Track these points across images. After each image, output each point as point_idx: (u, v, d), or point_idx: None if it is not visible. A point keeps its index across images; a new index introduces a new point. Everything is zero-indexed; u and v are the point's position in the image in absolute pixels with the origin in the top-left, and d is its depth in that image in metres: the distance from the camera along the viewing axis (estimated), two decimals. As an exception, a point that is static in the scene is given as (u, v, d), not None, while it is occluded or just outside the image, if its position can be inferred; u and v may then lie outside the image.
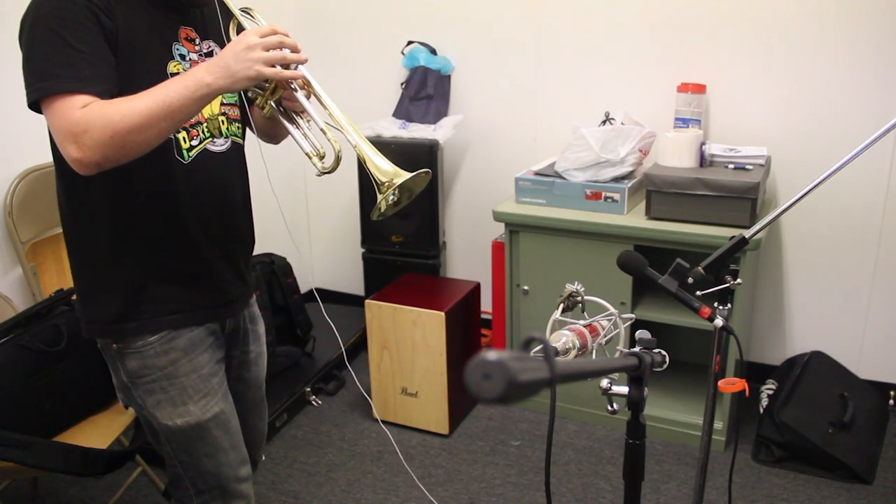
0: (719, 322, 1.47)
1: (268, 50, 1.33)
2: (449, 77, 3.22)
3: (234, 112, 1.57)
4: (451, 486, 2.50)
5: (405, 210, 3.08)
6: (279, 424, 2.82)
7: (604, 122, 2.81)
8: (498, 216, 2.75)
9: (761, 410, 2.70)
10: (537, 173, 2.79)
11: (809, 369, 2.76)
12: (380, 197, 1.40)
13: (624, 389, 1.22)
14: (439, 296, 2.80)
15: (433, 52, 3.21)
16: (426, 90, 3.15)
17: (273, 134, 1.68)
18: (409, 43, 3.24)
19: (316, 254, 3.83)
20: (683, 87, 2.76)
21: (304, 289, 3.26)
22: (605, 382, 1.23)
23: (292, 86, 1.43)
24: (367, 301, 2.76)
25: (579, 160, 2.65)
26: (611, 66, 2.96)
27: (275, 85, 1.46)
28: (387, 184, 1.39)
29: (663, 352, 1.28)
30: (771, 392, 2.73)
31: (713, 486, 2.45)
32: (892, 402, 2.85)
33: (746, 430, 2.73)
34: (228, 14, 1.52)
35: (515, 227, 2.75)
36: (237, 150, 1.59)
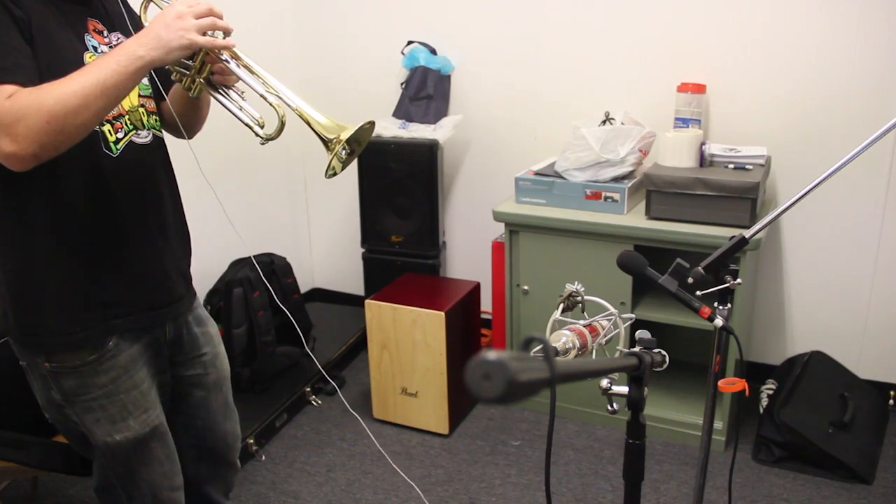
0: (719, 322, 1.47)
1: (198, 18, 1.31)
2: (449, 77, 3.22)
3: (151, 104, 1.53)
4: (451, 486, 2.50)
5: (405, 210, 3.13)
6: (279, 424, 2.82)
7: (604, 122, 2.81)
8: (498, 216, 2.75)
9: (761, 410, 2.70)
10: (537, 173, 2.79)
11: (809, 369, 2.76)
12: (330, 155, 1.38)
13: (624, 389, 1.22)
14: (439, 296, 2.80)
15: (433, 52, 3.21)
16: (426, 90, 3.15)
17: (191, 124, 1.62)
18: (409, 43, 3.23)
19: (316, 254, 3.83)
20: (683, 87, 2.76)
21: (304, 289, 3.26)
22: (605, 382, 1.23)
23: (223, 57, 1.40)
24: (367, 301, 2.76)
25: (579, 160, 2.65)
26: (611, 66, 2.96)
27: (202, 61, 1.42)
28: (335, 140, 1.38)
29: (663, 352, 1.28)
30: (771, 392, 2.73)
31: (713, 486, 2.45)
32: (892, 402, 2.85)
33: (746, 430, 2.73)
34: (129, 7, 1.50)
35: (515, 226, 2.75)
36: (159, 143, 1.56)
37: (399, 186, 3.12)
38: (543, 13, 3.01)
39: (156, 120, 1.55)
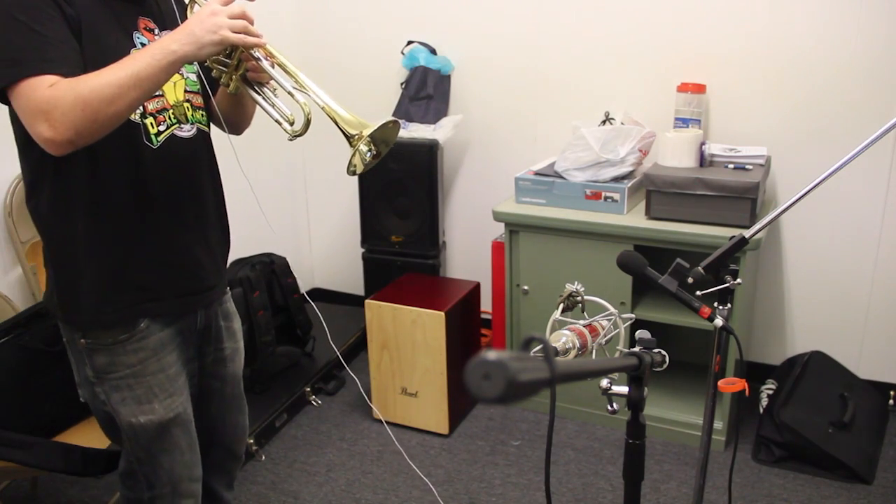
0: (719, 322, 1.47)
1: (231, 17, 1.36)
2: (449, 77, 3.22)
3: (198, 100, 1.60)
4: (451, 486, 2.50)
5: (405, 210, 3.13)
6: (279, 424, 2.82)
7: (604, 121, 2.81)
8: (498, 216, 2.75)
9: (761, 410, 2.70)
10: (537, 173, 2.79)
11: (809, 369, 2.76)
12: (352, 150, 1.43)
13: (624, 389, 1.22)
14: (439, 296, 2.80)
15: (433, 52, 3.21)
16: (426, 90, 3.15)
17: (237, 120, 1.69)
18: (409, 43, 3.24)
19: (316, 254, 3.83)
20: (683, 87, 2.76)
21: (304, 289, 3.26)
22: (605, 382, 1.23)
23: (256, 55, 1.45)
24: (367, 301, 2.76)
25: (579, 160, 2.65)
26: (611, 66, 2.96)
27: (238, 59, 1.47)
28: (356, 136, 1.42)
29: (663, 352, 1.28)
30: (771, 392, 2.73)
31: (713, 486, 2.45)
32: (892, 402, 2.85)
33: (746, 430, 2.73)
34: (183, 5, 1.55)
35: (515, 227, 2.75)
36: (204, 137, 1.61)
37: (399, 186, 3.12)
38: (543, 13, 3.01)
39: (202, 115, 1.60)
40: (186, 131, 1.54)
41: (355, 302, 3.51)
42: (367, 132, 1.42)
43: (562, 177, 2.71)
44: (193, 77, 1.58)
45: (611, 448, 2.69)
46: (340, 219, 3.68)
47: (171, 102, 1.51)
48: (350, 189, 3.40)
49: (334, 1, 3.36)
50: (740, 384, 1.48)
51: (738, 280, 1.49)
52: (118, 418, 1.57)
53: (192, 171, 1.57)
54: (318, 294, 3.83)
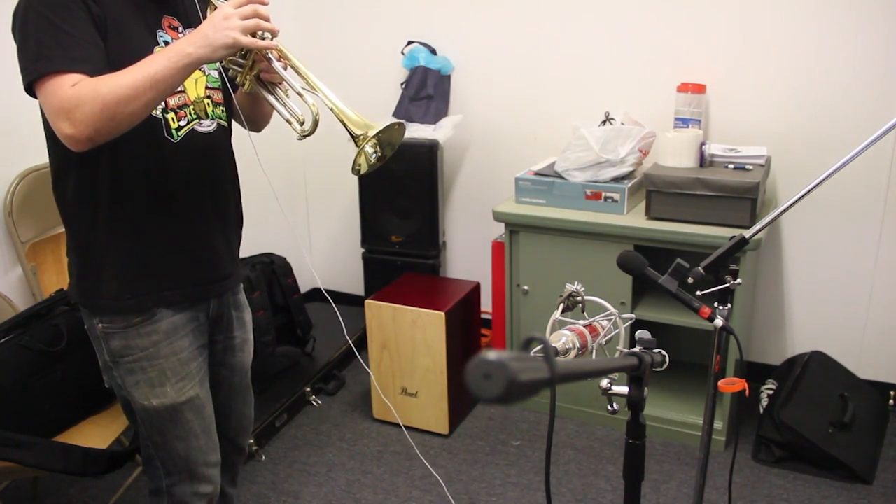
0: (719, 322, 1.47)
1: (243, 19, 1.39)
2: (449, 77, 3.22)
3: (218, 96, 1.64)
4: (451, 486, 2.50)
5: (405, 210, 3.13)
6: (279, 424, 2.82)
7: (604, 122, 2.81)
8: (498, 216, 2.75)
9: (761, 410, 2.70)
10: (537, 173, 2.79)
11: (809, 369, 2.76)
12: (357, 150, 1.47)
13: (624, 389, 1.22)
14: (439, 296, 2.80)
15: (433, 52, 3.21)
16: (426, 90, 3.15)
17: (256, 118, 1.73)
18: (409, 43, 3.23)
19: (316, 254, 3.83)
20: (683, 87, 2.76)
21: (304, 289, 3.26)
22: (605, 382, 1.23)
23: (268, 56, 1.49)
24: (367, 301, 2.76)
25: (579, 160, 2.65)
26: (611, 66, 2.96)
27: (253, 60, 1.52)
28: (362, 136, 1.46)
29: (663, 352, 1.28)
30: (771, 392, 2.73)
31: (713, 486, 2.45)
32: (892, 402, 2.85)
33: (746, 430, 2.73)
34: (205, 2, 1.58)
35: (515, 227, 2.75)
36: (224, 132, 1.66)
37: (399, 186, 3.12)
38: (543, 13, 3.01)
39: (222, 111, 1.64)
40: (206, 126, 1.59)
41: (355, 302, 3.51)
42: (372, 132, 1.46)
43: (562, 177, 2.72)
44: (215, 74, 1.62)
45: (611, 448, 2.69)
46: (340, 219, 3.68)
47: (192, 98, 1.56)
48: (350, 189, 3.40)
49: (334, 1, 3.36)
50: (740, 384, 1.48)
51: (738, 280, 1.49)
52: (133, 402, 1.61)
53: (212, 164, 1.62)
54: (319, 294, 3.83)
